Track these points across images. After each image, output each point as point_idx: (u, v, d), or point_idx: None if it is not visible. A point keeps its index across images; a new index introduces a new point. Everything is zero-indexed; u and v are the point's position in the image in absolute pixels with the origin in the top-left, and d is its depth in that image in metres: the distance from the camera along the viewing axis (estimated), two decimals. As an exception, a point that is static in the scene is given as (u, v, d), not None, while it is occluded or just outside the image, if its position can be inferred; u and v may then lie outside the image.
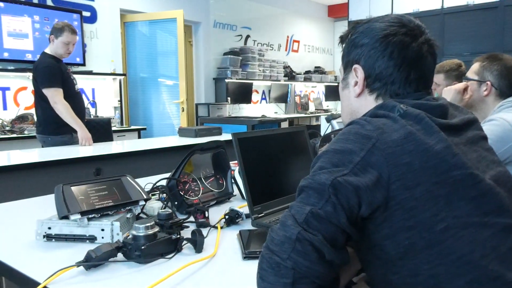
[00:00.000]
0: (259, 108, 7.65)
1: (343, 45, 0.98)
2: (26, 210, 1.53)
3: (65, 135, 3.21)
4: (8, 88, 4.32)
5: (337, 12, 9.21)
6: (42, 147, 3.26)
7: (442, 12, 5.69)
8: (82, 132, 3.15)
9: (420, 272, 0.76)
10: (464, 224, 0.76)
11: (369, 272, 0.87)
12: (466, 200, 0.77)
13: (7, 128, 3.97)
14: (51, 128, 3.18)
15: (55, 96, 3.07)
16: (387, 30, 0.89)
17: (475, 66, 1.89)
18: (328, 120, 2.14)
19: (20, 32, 4.32)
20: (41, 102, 3.14)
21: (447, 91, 1.92)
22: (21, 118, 4.12)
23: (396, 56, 0.88)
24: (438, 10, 5.73)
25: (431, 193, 0.75)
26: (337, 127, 2.10)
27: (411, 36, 0.88)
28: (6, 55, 4.22)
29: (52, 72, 3.08)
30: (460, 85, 1.90)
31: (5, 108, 4.29)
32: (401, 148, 0.77)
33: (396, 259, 0.78)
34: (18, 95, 4.37)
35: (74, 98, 3.23)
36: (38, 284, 0.89)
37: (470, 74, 1.91)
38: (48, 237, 1.14)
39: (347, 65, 0.96)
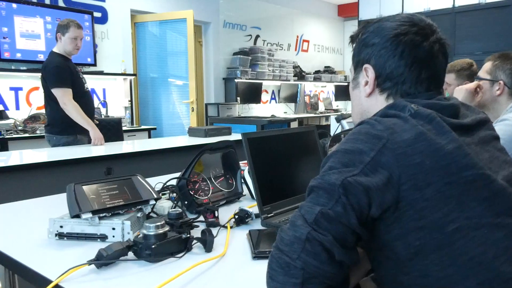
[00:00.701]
0: (268, 108, 7.65)
1: (354, 45, 0.98)
2: (39, 208, 1.55)
3: (70, 135, 3.18)
4: (20, 88, 4.38)
5: (347, 12, 9.17)
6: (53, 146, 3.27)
7: (453, 11, 5.64)
8: (94, 132, 3.14)
9: (431, 273, 0.76)
10: (476, 225, 0.75)
11: (379, 272, 0.87)
12: (478, 200, 0.76)
13: (20, 128, 4.02)
14: (58, 128, 3.16)
15: (65, 97, 3.05)
16: (397, 30, 0.88)
17: (487, 65, 1.87)
18: (338, 120, 2.14)
19: (33, 33, 4.37)
20: (50, 101, 3.13)
21: (458, 91, 1.90)
22: (33, 118, 4.16)
23: (407, 56, 0.87)
24: (449, 9, 5.67)
25: (442, 193, 0.75)
26: (347, 127, 2.09)
27: (422, 35, 0.88)
28: (18, 55, 4.27)
29: (61, 72, 3.07)
30: (472, 85, 1.88)
31: (17, 108, 4.35)
32: (412, 148, 0.76)
33: (407, 260, 0.77)
34: (31, 95, 4.43)
35: (83, 97, 3.20)
36: (50, 281, 0.90)
37: (482, 73, 1.88)
38: (60, 235, 1.15)
39: (357, 65, 0.96)
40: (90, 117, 3.22)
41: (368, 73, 0.92)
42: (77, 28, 3.18)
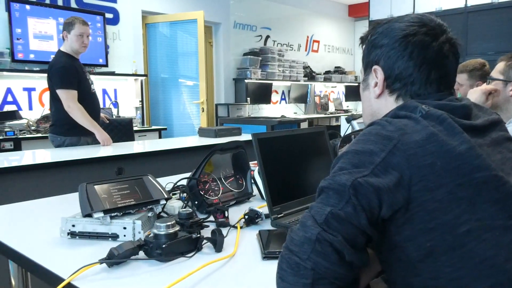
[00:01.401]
0: (278, 109, 7.64)
1: (363, 46, 0.98)
2: (51, 208, 1.57)
3: (74, 137, 3.12)
4: (33, 89, 4.43)
5: (357, 12, 9.13)
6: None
7: (465, 11, 5.59)
8: (101, 134, 3.10)
9: (441, 275, 0.75)
10: (487, 227, 0.75)
11: (390, 274, 0.86)
12: (490, 202, 0.76)
13: (33, 128, 4.08)
14: (63, 129, 3.10)
15: (69, 99, 2.98)
16: (406, 30, 0.88)
17: (500, 65, 1.85)
18: (349, 120, 2.13)
19: (46, 34, 4.43)
20: (55, 101, 3.06)
21: (473, 92, 1.87)
22: (46, 118, 4.20)
23: (416, 56, 0.87)
24: (461, 8, 5.62)
25: (454, 195, 0.74)
26: (357, 127, 2.09)
27: (431, 36, 0.87)
28: (32, 56, 4.33)
29: (67, 73, 2.99)
30: (488, 87, 1.85)
31: (30, 108, 4.40)
32: (423, 149, 0.76)
33: (417, 262, 0.77)
34: (43, 95, 4.48)
35: (89, 99, 3.14)
36: (62, 280, 0.91)
37: (495, 73, 1.86)
38: (72, 234, 1.17)
39: (367, 66, 0.96)
40: (96, 119, 3.16)
41: (378, 75, 0.92)
42: (83, 25, 3.10)
